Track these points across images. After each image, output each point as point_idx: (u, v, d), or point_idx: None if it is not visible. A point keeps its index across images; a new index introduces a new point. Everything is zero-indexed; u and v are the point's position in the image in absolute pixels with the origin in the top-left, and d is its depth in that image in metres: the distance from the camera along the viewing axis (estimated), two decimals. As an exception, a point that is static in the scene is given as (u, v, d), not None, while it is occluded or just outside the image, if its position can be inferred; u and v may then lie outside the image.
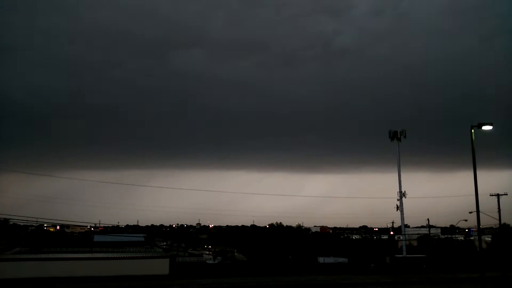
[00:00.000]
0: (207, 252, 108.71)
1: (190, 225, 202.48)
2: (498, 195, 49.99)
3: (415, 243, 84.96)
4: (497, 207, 49.42)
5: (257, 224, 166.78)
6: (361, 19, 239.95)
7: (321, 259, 70.96)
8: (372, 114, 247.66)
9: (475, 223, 33.74)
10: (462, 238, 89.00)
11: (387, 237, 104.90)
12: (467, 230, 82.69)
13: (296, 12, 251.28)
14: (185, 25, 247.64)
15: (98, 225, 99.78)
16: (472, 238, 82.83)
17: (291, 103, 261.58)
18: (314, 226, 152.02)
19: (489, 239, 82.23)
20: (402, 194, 66.91)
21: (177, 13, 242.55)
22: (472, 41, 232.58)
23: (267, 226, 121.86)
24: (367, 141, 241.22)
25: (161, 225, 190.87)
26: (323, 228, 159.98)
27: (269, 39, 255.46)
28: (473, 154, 28.50)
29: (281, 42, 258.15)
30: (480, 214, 29.68)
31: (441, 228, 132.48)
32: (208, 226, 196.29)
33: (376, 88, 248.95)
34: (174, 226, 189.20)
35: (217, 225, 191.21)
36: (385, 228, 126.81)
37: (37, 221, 76.65)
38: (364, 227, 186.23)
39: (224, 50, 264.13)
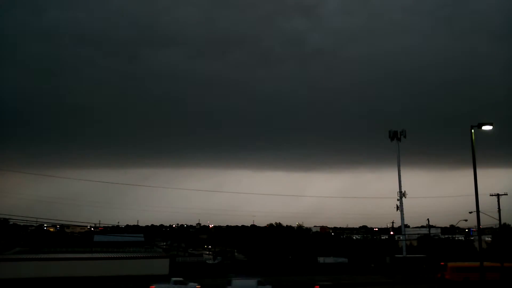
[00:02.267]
0: (207, 252, 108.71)
1: (190, 225, 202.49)
2: (498, 195, 49.95)
3: (415, 243, 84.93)
4: (497, 207, 49.37)
5: (257, 224, 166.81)
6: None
7: (321, 259, 70.96)
8: (366, 114, 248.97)
9: (475, 223, 33.74)
10: (462, 238, 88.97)
11: (387, 237, 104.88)
12: (467, 230, 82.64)
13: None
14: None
15: (98, 225, 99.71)
16: (472, 238, 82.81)
17: (280, 103, 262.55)
18: (314, 226, 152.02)
19: (489, 239, 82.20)
20: (402, 194, 66.93)
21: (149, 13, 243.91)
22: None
23: (267, 226, 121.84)
24: (367, 141, 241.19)
25: (161, 225, 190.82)
26: (323, 228, 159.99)
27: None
28: (473, 154, 28.48)
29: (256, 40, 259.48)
30: (480, 214, 29.66)
31: (441, 228, 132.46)
32: (208, 226, 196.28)
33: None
34: (174, 226, 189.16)
35: (217, 225, 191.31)
36: (385, 228, 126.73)
37: (37, 221, 76.63)
38: (364, 227, 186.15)
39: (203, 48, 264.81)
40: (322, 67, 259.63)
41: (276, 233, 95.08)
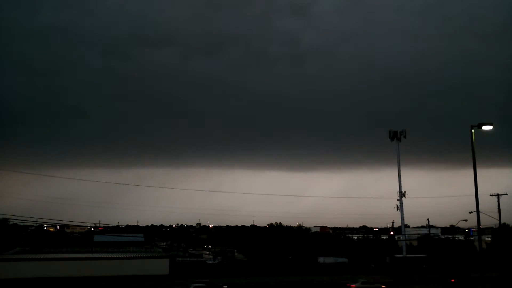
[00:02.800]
0: (207, 252, 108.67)
1: (190, 225, 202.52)
2: (498, 195, 49.99)
3: (415, 243, 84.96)
4: (497, 207, 49.41)
5: (257, 224, 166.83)
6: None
7: (321, 259, 70.98)
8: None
9: (475, 223, 33.74)
10: (462, 238, 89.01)
11: (387, 237, 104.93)
12: (467, 230, 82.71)
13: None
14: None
15: (98, 225, 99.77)
16: (472, 238, 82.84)
17: (278, 103, 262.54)
18: (314, 226, 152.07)
19: (489, 239, 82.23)
20: (402, 194, 66.99)
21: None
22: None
23: (267, 226, 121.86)
24: (367, 141, 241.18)
25: (161, 225, 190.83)
26: (323, 228, 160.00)
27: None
28: (473, 154, 28.47)
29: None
30: (480, 214, 29.66)
31: (441, 228, 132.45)
32: (208, 226, 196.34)
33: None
34: (174, 226, 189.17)
35: (217, 225, 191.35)
36: (385, 228, 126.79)
37: (37, 221, 76.61)
38: (364, 227, 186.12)
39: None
40: (320, 67, 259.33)
41: (276, 233, 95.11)
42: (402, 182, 67.66)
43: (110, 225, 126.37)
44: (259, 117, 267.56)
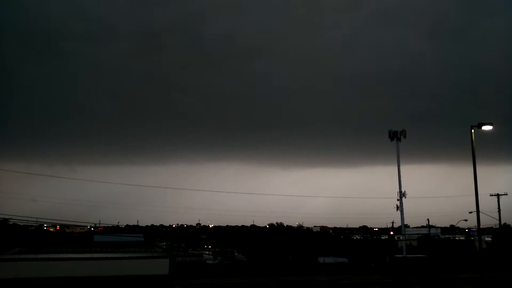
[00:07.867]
0: (207, 252, 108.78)
1: (190, 225, 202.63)
2: (498, 195, 50.04)
3: (415, 243, 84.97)
4: (497, 207, 49.46)
5: (257, 224, 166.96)
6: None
7: (321, 259, 71.02)
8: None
9: (475, 223, 33.79)
10: (463, 238, 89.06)
11: (387, 237, 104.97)
12: (467, 230, 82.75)
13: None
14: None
15: (98, 225, 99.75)
16: (472, 238, 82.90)
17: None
18: (314, 226, 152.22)
19: (489, 239, 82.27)
20: (402, 194, 66.94)
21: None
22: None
23: (267, 226, 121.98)
24: (367, 140, 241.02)
25: (161, 225, 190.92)
26: (323, 228, 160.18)
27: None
28: (473, 154, 28.47)
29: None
30: (480, 214, 29.67)
31: (441, 228, 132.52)
32: (208, 226, 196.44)
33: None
34: (174, 226, 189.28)
35: (217, 225, 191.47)
36: (385, 228, 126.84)
37: (37, 221, 76.62)
38: (364, 227, 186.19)
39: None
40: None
41: (276, 233, 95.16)
42: (402, 182, 67.63)
43: (110, 225, 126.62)
44: (260, 116, 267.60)
